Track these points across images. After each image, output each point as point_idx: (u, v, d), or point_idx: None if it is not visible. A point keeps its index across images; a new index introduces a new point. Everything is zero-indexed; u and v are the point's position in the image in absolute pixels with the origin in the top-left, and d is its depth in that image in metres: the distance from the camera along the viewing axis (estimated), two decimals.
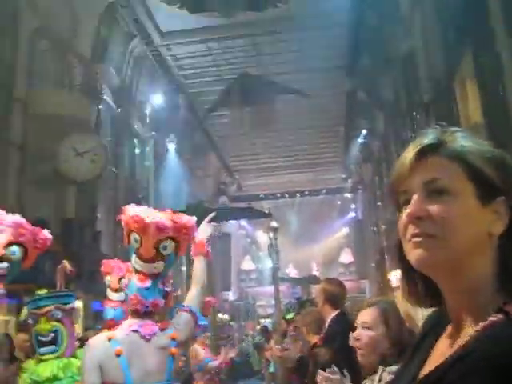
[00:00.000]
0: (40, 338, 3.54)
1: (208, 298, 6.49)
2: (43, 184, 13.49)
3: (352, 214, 32.24)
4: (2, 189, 12.16)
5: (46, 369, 3.47)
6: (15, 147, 12.62)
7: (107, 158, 14.43)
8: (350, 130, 25.06)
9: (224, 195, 30.39)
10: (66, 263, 4.06)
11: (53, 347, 3.52)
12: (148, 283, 2.80)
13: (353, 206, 31.91)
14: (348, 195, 31.71)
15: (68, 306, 3.63)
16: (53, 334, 3.51)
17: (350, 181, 30.35)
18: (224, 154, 28.30)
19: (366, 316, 2.41)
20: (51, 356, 3.52)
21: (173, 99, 20.88)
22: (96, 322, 10.55)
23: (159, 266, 2.84)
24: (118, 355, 2.68)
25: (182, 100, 21.53)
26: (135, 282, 2.83)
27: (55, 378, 3.35)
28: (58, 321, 3.54)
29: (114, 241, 15.17)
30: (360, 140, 23.62)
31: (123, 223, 2.88)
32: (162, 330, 2.83)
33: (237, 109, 20.87)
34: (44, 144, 13.33)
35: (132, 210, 2.85)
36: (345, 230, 34.19)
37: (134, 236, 2.83)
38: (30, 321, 3.64)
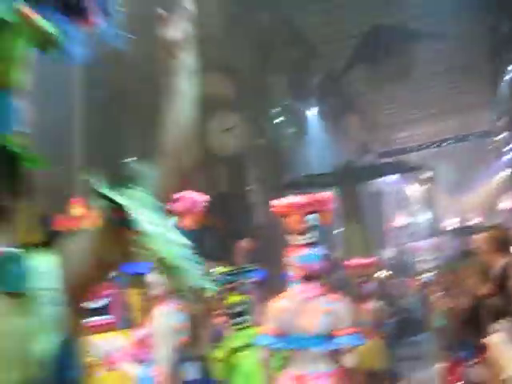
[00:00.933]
0: (232, 310, 3.98)
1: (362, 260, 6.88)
2: (196, 162, 14.20)
3: (508, 157, 30.31)
4: None
5: (239, 338, 3.99)
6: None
7: (252, 131, 14.85)
8: (495, 67, 23.53)
9: (370, 153, 29.95)
10: (247, 240, 4.54)
11: (244, 318, 3.97)
12: (305, 251, 3.39)
13: (507, 147, 29.99)
14: (500, 137, 29.85)
15: (251, 280, 4.11)
16: (243, 306, 3.98)
17: (500, 121, 28.53)
18: (365, 110, 27.84)
19: None
20: (243, 326, 4.00)
21: (304, 63, 20.81)
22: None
23: (311, 236, 3.42)
24: (283, 311, 3.40)
25: (313, 62, 21.36)
26: (296, 254, 3.42)
27: (248, 345, 3.73)
28: (246, 293, 3.98)
29: (266, 212, 15.58)
30: (508, 76, 22.14)
31: (276, 214, 3.58)
32: (323, 294, 3.49)
33: (372, 63, 20.38)
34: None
35: (277, 202, 3.52)
36: (502, 174, 32.29)
37: (284, 220, 3.49)
38: (220, 295, 4.16)
